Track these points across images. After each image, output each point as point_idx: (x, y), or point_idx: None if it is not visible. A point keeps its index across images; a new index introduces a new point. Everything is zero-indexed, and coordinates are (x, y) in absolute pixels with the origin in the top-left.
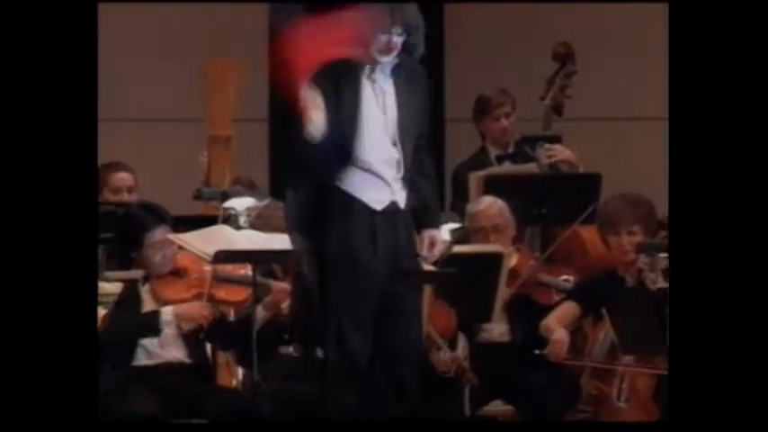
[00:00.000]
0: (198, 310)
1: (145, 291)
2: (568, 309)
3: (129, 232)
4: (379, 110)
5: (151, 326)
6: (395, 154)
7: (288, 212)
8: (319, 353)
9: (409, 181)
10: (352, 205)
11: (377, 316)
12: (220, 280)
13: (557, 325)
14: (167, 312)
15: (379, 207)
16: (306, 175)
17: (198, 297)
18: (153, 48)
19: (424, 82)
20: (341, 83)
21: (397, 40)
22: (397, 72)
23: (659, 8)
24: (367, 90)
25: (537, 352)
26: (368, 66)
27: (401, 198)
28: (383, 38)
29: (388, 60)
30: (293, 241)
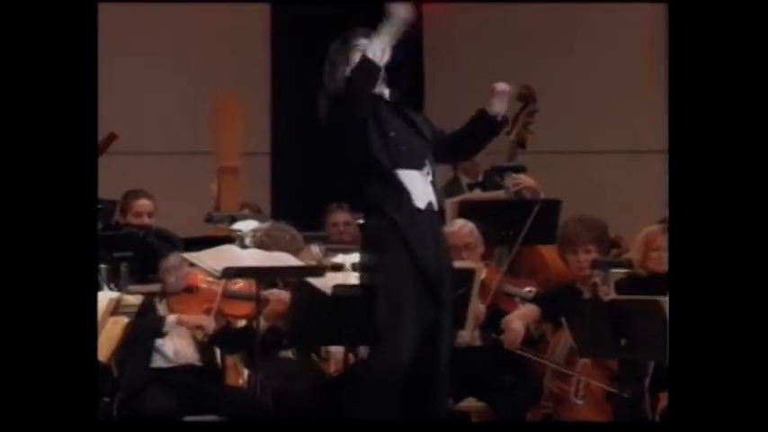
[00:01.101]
0: (199, 320)
1: (162, 306)
2: (529, 309)
3: (147, 259)
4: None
5: (157, 329)
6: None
7: (379, 234)
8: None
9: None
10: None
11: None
12: (228, 296)
13: (518, 321)
14: (172, 318)
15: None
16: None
17: (208, 312)
18: (169, 88)
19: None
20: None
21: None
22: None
23: (626, 48)
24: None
25: (494, 336)
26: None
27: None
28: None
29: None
30: (370, 259)
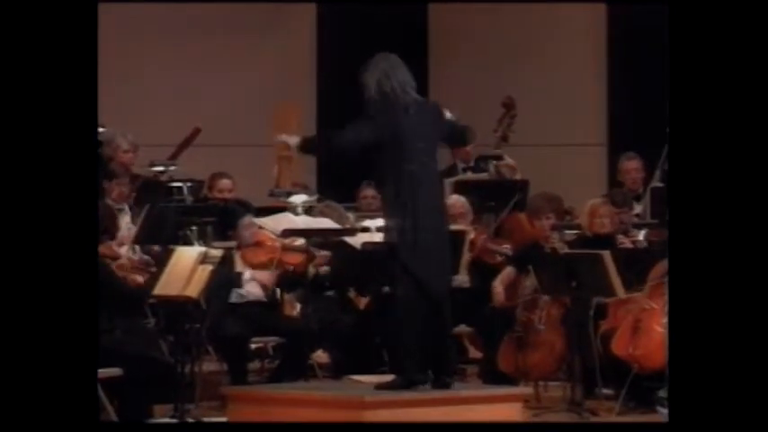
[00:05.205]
0: (267, 277)
1: (237, 256)
2: (508, 272)
3: (228, 218)
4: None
5: (237, 281)
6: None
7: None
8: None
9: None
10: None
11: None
12: (286, 249)
13: (499, 284)
14: (248, 274)
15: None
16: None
17: (271, 260)
18: (243, 99)
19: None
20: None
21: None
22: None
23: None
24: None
25: (489, 305)
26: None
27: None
28: None
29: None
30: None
